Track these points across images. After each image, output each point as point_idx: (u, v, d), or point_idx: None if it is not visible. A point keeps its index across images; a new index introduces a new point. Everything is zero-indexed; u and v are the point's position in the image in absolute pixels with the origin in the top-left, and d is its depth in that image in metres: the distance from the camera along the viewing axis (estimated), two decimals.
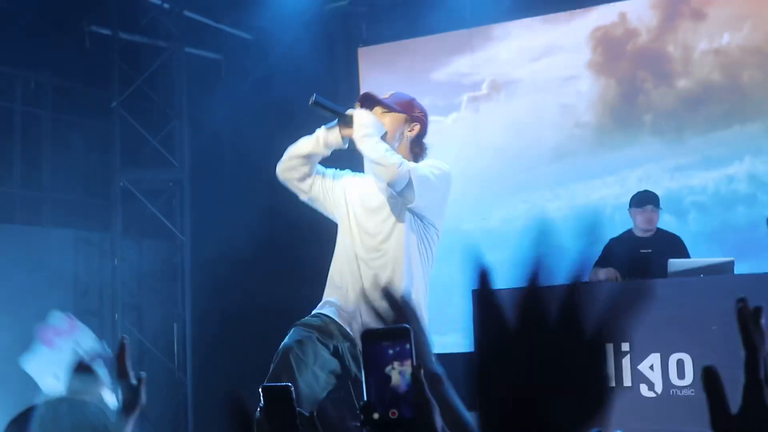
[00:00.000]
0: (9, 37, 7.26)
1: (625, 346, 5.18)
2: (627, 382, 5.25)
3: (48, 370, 5.44)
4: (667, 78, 8.05)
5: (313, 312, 4.00)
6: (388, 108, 4.01)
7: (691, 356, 5.07)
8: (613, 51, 8.21)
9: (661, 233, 6.48)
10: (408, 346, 1.42)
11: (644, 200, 6.46)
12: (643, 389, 5.24)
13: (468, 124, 8.37)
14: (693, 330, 5.06)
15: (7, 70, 7.73)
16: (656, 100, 8.06)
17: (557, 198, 8.16)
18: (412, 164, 3.86)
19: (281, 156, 4.14)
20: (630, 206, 6.52)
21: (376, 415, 1.39)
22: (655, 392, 5.19)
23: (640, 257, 6.26)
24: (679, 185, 7.64)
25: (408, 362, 1.42)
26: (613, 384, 0.95)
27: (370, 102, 4.02)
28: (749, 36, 7.83)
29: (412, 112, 4.05)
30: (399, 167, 3.75)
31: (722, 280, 5.45)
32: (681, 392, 5.08)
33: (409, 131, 4.04)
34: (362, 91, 8.41)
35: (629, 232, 6.52)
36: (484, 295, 0.99)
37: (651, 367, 5.18)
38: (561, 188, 8.14)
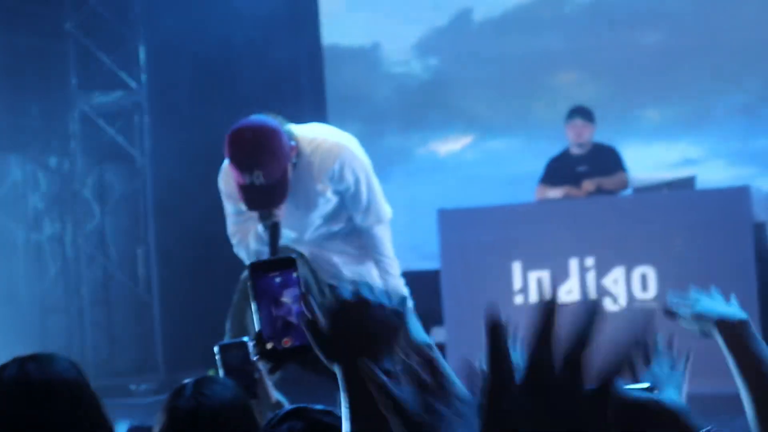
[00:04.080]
0: None
1: (590, 261, 5.22)
2: (591, 296, 5.30)
3: None
4: None
5: None
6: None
7: (655, 269, 5.13)
8: None
9: (596, 147, 6.44)
10: (295, 275, 1.42)
11: (572, 113, 6.42)
12: (607, 303, 5.30)
13: None
14: (656, 244, 5.09)
15: None
16: None
17: None
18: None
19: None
20: (566, 119, 6.45)
21: (269, 346, 1.39)
22: (619, 305, 5.25)
23: (578, 175, 6.26)
24: None
25: (295, 290, 1.42)
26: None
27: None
28: None
29: (289, 152, 3.47)
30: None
31: (684, 196, 5.49)
32: (644, 305, 5.15)
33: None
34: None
35: (566, 149, 6.49)
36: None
37: (615, 281, 5.23)
38: None
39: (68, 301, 7.73)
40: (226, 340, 2.95)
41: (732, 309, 1.93)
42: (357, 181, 3.58)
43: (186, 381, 2.17)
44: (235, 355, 2.44)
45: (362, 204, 3.60)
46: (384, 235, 3.69)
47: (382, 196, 3.72)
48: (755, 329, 1.88)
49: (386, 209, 3.72)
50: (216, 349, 2.47)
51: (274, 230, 3.42)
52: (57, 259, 7.80)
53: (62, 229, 7.87)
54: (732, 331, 1.87)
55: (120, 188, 8.14)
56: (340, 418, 1.62)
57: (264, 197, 3.39)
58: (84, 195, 7.88)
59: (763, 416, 1.75)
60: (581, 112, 6.44)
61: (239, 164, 3.35)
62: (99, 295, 7.92)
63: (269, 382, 2.58)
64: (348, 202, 3.60)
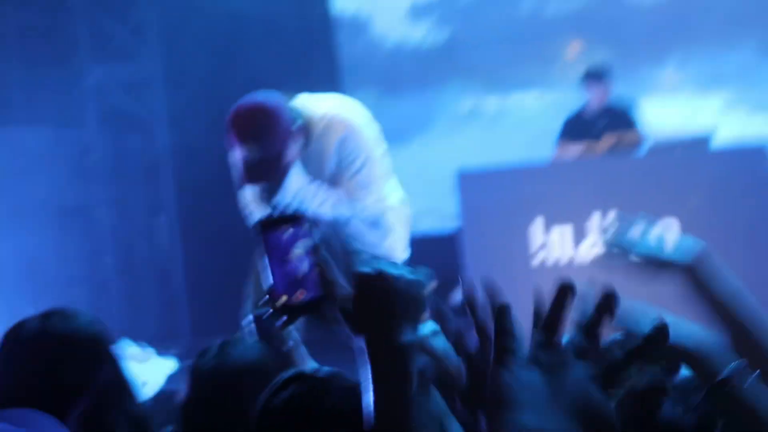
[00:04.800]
0: None
1: (612, 215, 5.25)
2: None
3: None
4: None
5: None
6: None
7: (678, 222, 5.17)
8: None
9: (614, 102, 6.49)
10: (306, 227, 1.42)
11: (590, 72, 6.45)
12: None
13: None
14: (677, 198, 5.13)
15: None
16: None
17: None
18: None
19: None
20: (583, 81, 6.49)
21: (282, 300, 1.39)
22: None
23: (597, 130, 6.33)
24: None
25: (308, 241, 1.41)
26: None
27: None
28: None
29: (289, 133, 3.46)
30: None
31: (699, 158, 5.54)
32: None
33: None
34: None
35: (584, 106, 6.52)
36: None
37: None
38: None
39: (92, 271, 7.79)
40: (260, 310, 2.97)
41: (678, 250, 1.74)
42: (356, 154, 3.54)
43: (215, 342, 2.20)
44: (269, 323, 2.45)
45: (351, 173, 3.54)
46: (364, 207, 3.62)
47: (378, 181, 3.63)
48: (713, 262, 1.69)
49: (378, 195, 3.62)
50: (251, 317, 2.48)
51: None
52: (79, 229, 7.84)
53: (84, 200, 7.90)
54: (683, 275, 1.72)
55: (139, 157, 8.17)
56: (347, 380, 1.56)
57: (255, 172, 3.44)
58: (103, 165, 7.91)
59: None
60: (599, 70, 6.49)
61: (235, 136, 3.43)
62: (122, 265, 7.98)
63: (305, 351, 2.57)
64: (342, 168, 3.55)
